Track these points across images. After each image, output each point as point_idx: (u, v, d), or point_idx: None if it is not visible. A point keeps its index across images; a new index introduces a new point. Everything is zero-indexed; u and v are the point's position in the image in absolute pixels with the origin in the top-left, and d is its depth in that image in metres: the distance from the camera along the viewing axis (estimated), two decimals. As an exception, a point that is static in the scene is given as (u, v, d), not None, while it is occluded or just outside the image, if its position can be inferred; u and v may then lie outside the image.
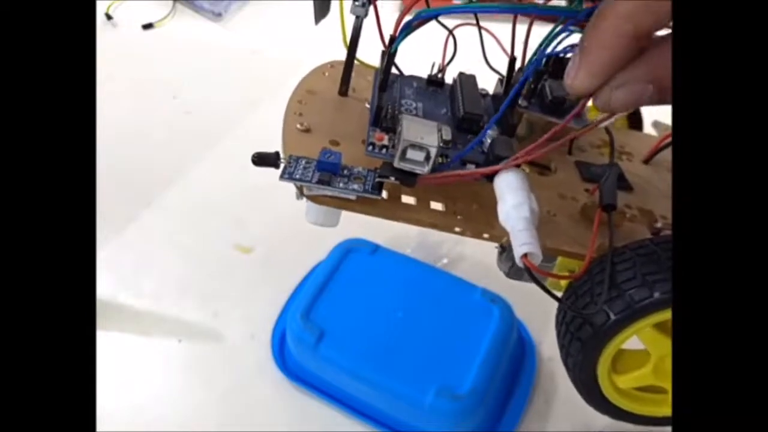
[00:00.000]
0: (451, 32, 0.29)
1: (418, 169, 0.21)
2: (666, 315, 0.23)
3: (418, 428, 0.39)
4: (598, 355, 0.24)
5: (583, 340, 0.24)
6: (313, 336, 0.40)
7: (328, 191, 0.22)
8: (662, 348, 0.25)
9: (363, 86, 0.31)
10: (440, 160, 0.23)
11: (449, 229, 0.25)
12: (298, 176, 0.21)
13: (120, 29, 0.68)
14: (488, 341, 0.39)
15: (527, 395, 0.41)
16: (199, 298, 0.48)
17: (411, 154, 0.21)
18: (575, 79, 0.20)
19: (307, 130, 0.25)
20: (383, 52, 0.27)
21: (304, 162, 0.21)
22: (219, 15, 0.67)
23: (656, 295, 0.22)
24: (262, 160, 0.23)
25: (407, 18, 0.24)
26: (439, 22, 0.26)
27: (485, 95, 0.31)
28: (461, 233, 0.25)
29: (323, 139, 0.25)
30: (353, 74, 0.29)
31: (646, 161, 0.33)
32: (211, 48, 0.66)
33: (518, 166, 0.23)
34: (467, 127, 0.26)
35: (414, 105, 0.27)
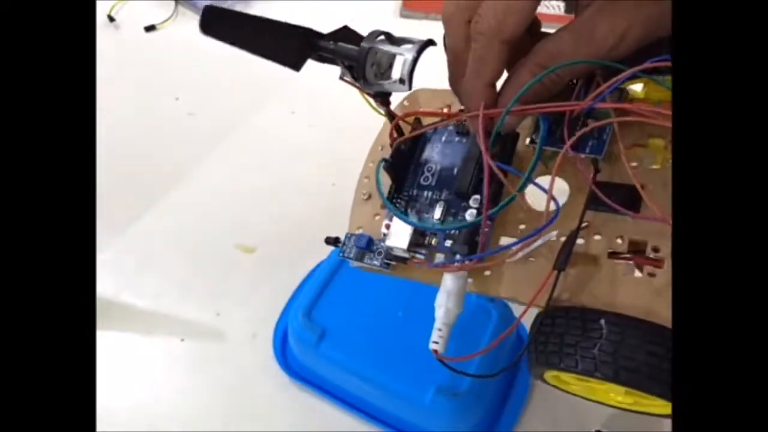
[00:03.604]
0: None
1: (405, 256, 0.29)
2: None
3: (418, 426, 0.39)
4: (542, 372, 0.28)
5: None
6: (315, 335, 0.40)
7: (361, 265, 0.31)
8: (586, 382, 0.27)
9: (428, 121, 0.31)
10: (425, 239, 0.29)
11: None
12: (347, 255, 0.31)
13: (122, 31, 0.68)
14: (487, 341, 0.39)
15: (526, 394, 0.41)
16: (202, 298, 0.48)
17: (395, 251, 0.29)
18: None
19: (369, 197, 0.32)
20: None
21: (354, 239, 0.31)
22: (221, 16, 0.67)
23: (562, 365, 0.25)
24: (329, 242, 0.32)
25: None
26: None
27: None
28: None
29: (377, 204, 0.32)
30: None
31: None
32: (213, 50, 0.66)
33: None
34: (462, 197, 0.29)
35: (431, 177, 0.30)
